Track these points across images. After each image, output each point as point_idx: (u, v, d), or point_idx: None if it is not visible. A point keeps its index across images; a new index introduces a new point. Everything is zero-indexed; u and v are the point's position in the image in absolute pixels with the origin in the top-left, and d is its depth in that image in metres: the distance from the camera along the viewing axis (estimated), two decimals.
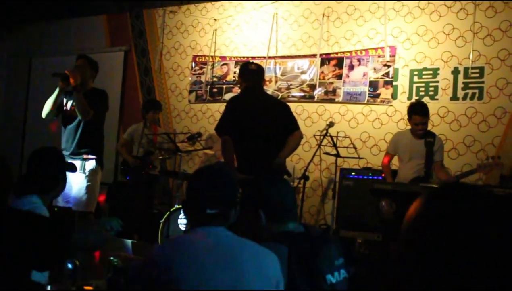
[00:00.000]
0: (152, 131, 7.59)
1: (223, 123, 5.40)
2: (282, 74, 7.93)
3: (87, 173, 5.73)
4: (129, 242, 6.54)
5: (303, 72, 7.78)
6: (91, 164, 5.80)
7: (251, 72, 5.59)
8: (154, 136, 7.55)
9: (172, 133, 7.45)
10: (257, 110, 5.33)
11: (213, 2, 8.71)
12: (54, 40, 10.43)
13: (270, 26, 8.11)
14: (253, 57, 8.14)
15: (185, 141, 7.23)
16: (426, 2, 7.08)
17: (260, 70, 5.65)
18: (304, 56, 7.81)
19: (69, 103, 5.87)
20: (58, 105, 5.85)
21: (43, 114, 5.90)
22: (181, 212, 6.40)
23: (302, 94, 7.75)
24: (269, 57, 8.03)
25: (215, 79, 8.51)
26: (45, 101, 5.88)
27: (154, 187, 7.54)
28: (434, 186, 5.28)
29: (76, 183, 5.63)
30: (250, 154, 5.20)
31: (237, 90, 7.56)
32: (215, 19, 8.59)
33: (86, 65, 5.96)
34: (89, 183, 5.73)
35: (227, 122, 5.36)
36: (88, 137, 5.80)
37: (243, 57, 8.27)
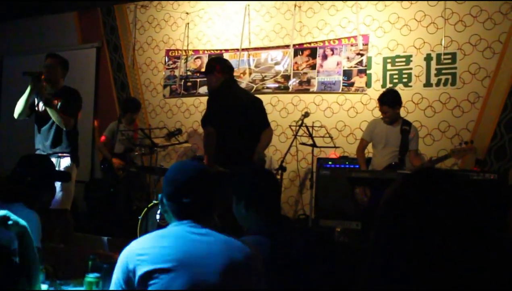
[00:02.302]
0: (131, 128, 7.57)
1: (211, 116, 5.37)
2: (256, 66, 7.92)
3: (62, 170, 5.69)
4: (105, 239, 6.53)
5: (277, 64, 7.78)
6: (66, 161, 5.77)
7: (229, 65, 5.61)
8: (134, 133, 7.53)
9: (147, 129, 7.42)
10: (237, 104, 5.34)
11: None
12: (26, 38, 10.31)
13: (242, 18, 8.08)
14: (227, 50, 8.13)
15: (163, 138, 7.20)
16: None
17: (231, 65, 5.70)
18: (278, 47, 7.81)
19: (41, 104, 5.81)
20: (30, 105, 5.80)
21: (15, 115, 5.86)
22: (159, 207, 6.38)
23: (276, 85, 7.75)
24: (243, 49, 8.01)
25: (189, 73, 8.48)
26: (17, 99, 5.84)
27: (133, 184, 7.52)
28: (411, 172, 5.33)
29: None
30: (231, 147, 5.20)
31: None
32: (187, 13, 8.55)
33: (56, 64, 5.91)
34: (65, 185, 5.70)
35: (214, 115, 5.35)
36: (62, 136, 5.77)
37: (216, 50, 8.24)
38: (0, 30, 10.70)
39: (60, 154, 5.75)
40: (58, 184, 5.61)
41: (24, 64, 10.03)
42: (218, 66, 5.58)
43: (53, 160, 5.53)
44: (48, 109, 5.64)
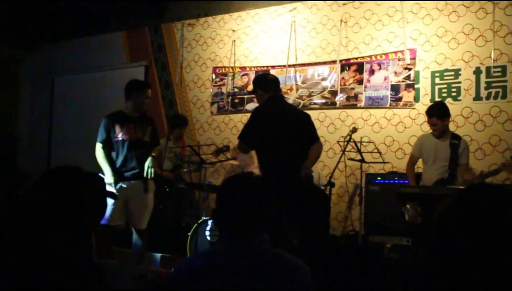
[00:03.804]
0: (179, 144, 7.69)
1: (248, 133, 5.45)
2: (302, 82, 7.98)
3: (150, 193, 5.98)
4: (158, 255, 6.64)
5: (323, 79, 7.82)
6: (152, 183, 5.99)
7: (272, 81, 5.65)
8: (182, 150, 7.65)
9: (196, 145, 7.52)
10: (283, 120, 5.37)
11: (230, 13, 8.79)
12: (75, 57, 10.59)
13: (288, 34, 8.16)
14: (273, 66, 8.20)
15: (212, 154, 7.29)
16: (444, 3, 7.08)
17: (277, 80, 5.74)
18: (324, 63, 7.86)
19: (121, 134, 5.93)
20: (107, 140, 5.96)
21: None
22: (209, 224, 6.47)
23: (324, 101, 7.79)
24: (289, 66, 8.08)
25: (236, 90, 8.59)
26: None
27: (182, 200, 7.62)
28: (461, 187, 5.28)
29: (142, 203, 5.89)
30: (277, 164, 5.24)
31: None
32: (233, 30, 8.67)
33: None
34: (150, 203, 6.02)
35: (251, 132, 5.42)
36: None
37: (263, 66, 8.33)
38: (50, 52, 11.02)
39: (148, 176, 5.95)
40: (150, 206, 5.89)
41: (75, 83, 10.35)
42: (262, 83, 5.65)
43: (140, 182, 5.82)
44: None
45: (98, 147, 5.89)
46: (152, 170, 5.83)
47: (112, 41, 10.17)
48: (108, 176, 5.71)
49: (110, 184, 5.63)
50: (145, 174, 5.79)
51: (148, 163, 5.82)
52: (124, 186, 5.79)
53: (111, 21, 10.11)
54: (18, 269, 2.31)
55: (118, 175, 5.78)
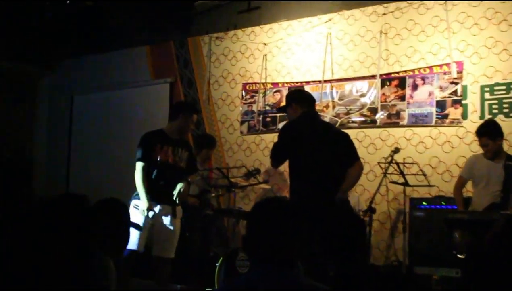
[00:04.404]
0: (206, 167, 7.70)
1: (280, 153, 5.45)
2: (340, 99, 7.97)
3: (177, 219, 5.99)
4: (177, 286, 6.65)
5: (362, 95, 7.80)
6: (180, 209, 6.01)
7: (307, 97, 5.68)
8: (210, 172, 7.66)
9: (225, 168, 7.53)
10: (317, 138, 5.37)
11: (261, 26, 8.84)
12: (96, 75, 10.74)
13: (323, 47, 8.17)
14: (307, 82, 8.21)
15: (241, 178, 7.30)
16: (493, 11, 7.02)
17: (313, 97, 5.76)
18: (363, 77, 7.83)
19: (166, 152, 6.01)
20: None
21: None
22: (239, 254, 6.45)
23: (363, 119, 7.76)
24: (325, 81, 8.08)
25: (267, 107, 8.61)
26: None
27: (209, 228, 7.62)
28: None
29: (169, 229, 5.88)
30: (310, 187, 5.22)
31: None
32: (265, 44, 8.71)
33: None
34: (178, 229, 6.00)
35: (281, 151, 5.42)
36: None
37: (297, 82, 8.35)
38: (69, 69, 11.18)
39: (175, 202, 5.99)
40: (177, 233, 5.92)
41: (95, 102, 10.48)
42: (295, 97, 5.66)
43: (169, 208, 5.84)
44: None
45: (139, 166, 5.86)
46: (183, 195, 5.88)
47: (135, 57, 10.29)
48: (143, 202, 5.72)
49: (143, 210, 5.66)
50: (175, 197, 5.82)
51: (180, 186, 5.85)
52: (155, 211, 5.83)
53: (133, 36, 10.22)
54: None
55: (158, 198, 5.82)
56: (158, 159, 5.89)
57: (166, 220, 5.83)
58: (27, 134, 11.25)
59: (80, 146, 10.73)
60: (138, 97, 9.93)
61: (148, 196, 5.73)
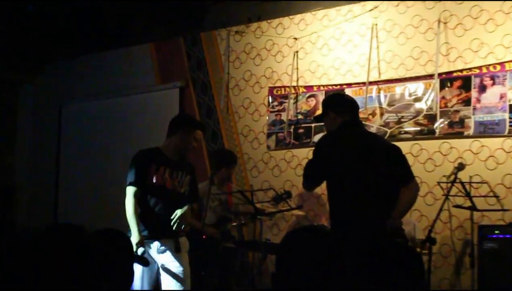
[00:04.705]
0: (225, 190, 7.69)
1: (315, 172, 5.44)
2: (389, 104, 7.93)
3: (182, 252, 6.04)
4: None
5: (417, 100, 7.75)
6: (185, 243, 6.01)
7: (349, 103, 5.66)
8: (228, 196, 7.64)
9: (248, 191, 7.51)
10: (361, 153, 5.37)
11: (291, 17, 8.84)
12: (89, 80, 10.84)
13: (368, 41, 8.14)
14: (349, 84, 8.19)
15: (269, 203, 7.28)
16: None
17: (355, 103, 5.76)
18: (417, 78, 7.79)
19: (163, 175, 6.05)
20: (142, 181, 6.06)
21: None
22: None
23: (418, 128, 7.71)
24: (370, 83, 8.06)
25: (300, 116, 8.60)
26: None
27: (230, 264, 7.60)
28: None
29: (173, 265, 5.94)
30: (353, 213, 5.20)
31: None
32: (295, 38, 8.71)
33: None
34: (186, 264, 6.04)
35: (319, 170, 5.41)
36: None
37: (335, 85, 8.33)
38: (56, 73, 11.29)
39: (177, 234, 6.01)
40: (181, 270, 5.94)
41: (88, 112, 10.54)
42: (333, 104, 5.65)
43: (170, 241, 5.91)
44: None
45: (130, 192, 5.93)
46: (183, 222, 5.89)
47: (137, 57, 10.37)
48: (134, 236, 5.73)
49: (135, 245, 5.67)
50: (172, 223, 5.84)
51: (180, 212, 5.86)
52: (149, 249, 5.84)
53: (135, 32, 10.27)
54: None
55: (155, 231, 5.84)
56: (154, 182, 5.92)
57: (168, 257, 5.84)
58: (6, 155, 11.31)
59: (70, 166, 10.78)
60: (141, 106, 9.97)
61: (139, 228, 5.75)
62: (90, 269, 2.97)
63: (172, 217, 5.86)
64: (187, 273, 6.02)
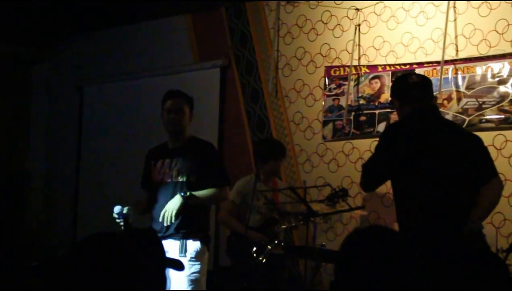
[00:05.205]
0: (271, 186, 7.70)
1: (376, 169, 5.45)
2: (468, 88, 7.88)
3: (189, 257, 5.99)
4: None
5: (502, 82, 7.69)
6: (194, 245, 6.04)
7: (415, 86, 5.65)
8: (275, 194, 7.65)
9: (300, 187, 7.51)
10: (435, 145, 5.35)
11: None
12: (114, 56, 10.93)
13: (444, 13, 8.09)
14: (420, 64, 8.15)
15: (325, 202, 7.27)
16: None
17: (427, 83, 5.71)
18: (503, 56, 7.72)
19: (161, 174, 6.14)
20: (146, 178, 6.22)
21: None
22: None
23: (502, 116, 7.65)
24: (446, 62, 8.01)
25: (362, 101, 8.58)
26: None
27: (277, 273, 7.62)
28: None
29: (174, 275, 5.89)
30: (424, 213, 5.21)
31: (396, 116, 7.55)
32: (357, 9, 8.68)
33: (183, 105, 6.29)
34: (194, 273, 6.03)
35: (381, 164, 5.42)
36: (193, 209, 6.06)
37: (405, 64, 8.29)
38: (76, 49, 11.34)
39: (185, 234, 6.04)
40: (185, 278, 5.97)
41: (114, 94, 10.62)
42: (399, 89, 5.65)
43: (176, 243, 5.98)
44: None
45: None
46: (173, 212, 5.93)
47: (171, 32, 10.42)
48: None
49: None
50: (161, 218, 5.93)
51: (173, 202, 5.96)
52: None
53: (168, 1, 10.29)
54: None
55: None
56: (153, 179, 6.06)
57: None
58: (18, 141, 11.40)
59: (93, 156, 10.86)
60: (176, 87, 9.96)
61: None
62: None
63: (164, 213, 5.93)
64: (200, 286, 6.05)
